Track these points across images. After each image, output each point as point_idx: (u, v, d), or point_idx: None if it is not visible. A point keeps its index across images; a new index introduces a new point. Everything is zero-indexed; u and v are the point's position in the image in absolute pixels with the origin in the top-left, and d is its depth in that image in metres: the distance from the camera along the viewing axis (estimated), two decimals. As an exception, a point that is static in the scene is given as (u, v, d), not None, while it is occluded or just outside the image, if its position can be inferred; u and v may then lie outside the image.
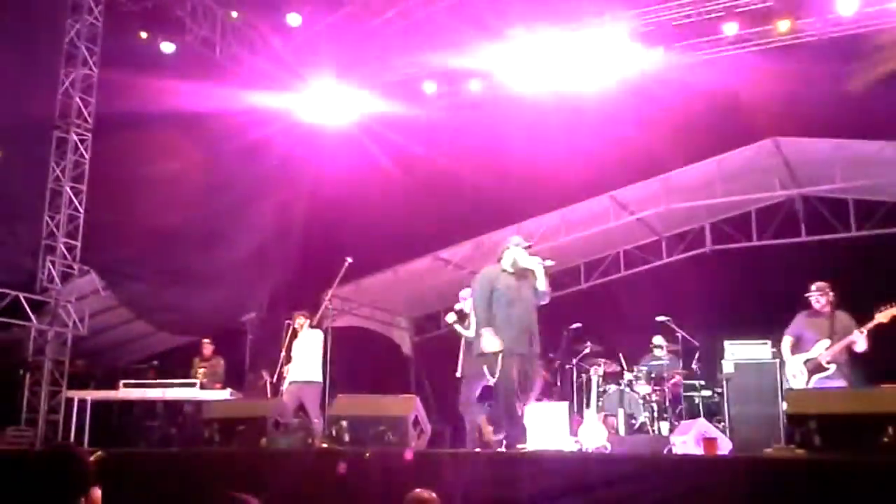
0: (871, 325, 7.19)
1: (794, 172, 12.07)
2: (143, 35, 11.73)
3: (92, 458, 2.99)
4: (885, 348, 7.37)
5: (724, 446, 7.71)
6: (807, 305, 7.65)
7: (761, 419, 8.04)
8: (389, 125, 13.46)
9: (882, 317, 7.14)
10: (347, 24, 13.82)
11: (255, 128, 14.57)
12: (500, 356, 6.52)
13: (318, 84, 13.85)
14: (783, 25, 11.45)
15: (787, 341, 7.60)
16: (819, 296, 7.46)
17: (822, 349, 7.28)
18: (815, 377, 7.27)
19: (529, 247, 7.02)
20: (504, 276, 6.88)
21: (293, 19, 12.43)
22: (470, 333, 7.96)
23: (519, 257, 6.91)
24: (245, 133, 14.20)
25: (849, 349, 7.25)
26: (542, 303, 6.90)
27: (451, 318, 8.86)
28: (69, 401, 9.89)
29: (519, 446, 6.31)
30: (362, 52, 13.66)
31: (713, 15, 11.78)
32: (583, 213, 12.88)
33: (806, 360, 7.38)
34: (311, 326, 9.45)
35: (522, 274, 6.86)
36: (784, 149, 11.43)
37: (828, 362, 7.23)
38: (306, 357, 9.19)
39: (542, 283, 6.82)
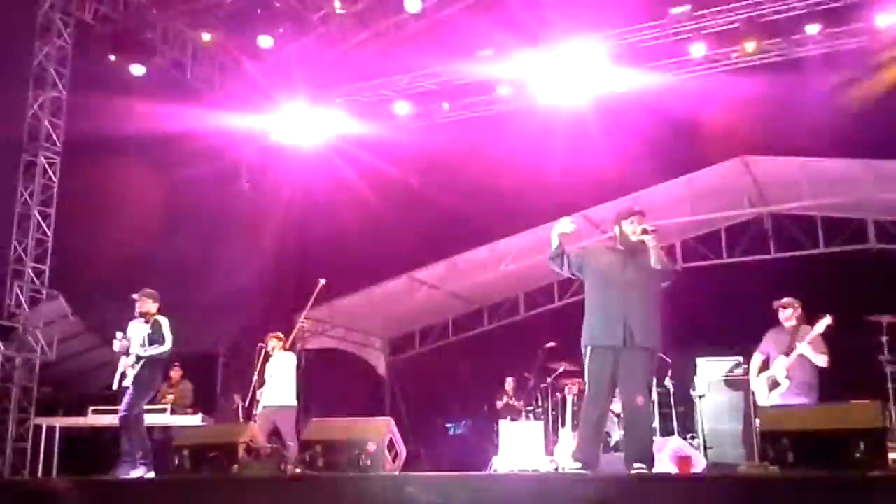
0: (810, 336, 7.12)
1: (763, 190, 12.24)
2: (113, 58, 11.62)
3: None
4: (848, 364, 7.38)
5: (699, 464, 7.74)
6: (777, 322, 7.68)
7: (735, 436, 8.07)
8: (362, 146, 13.47)
9: (818, 327, 7.13)
10: (320, 46, 13.84)
11: (226, 150, 14.54)
12: (587, 352, 5.74)
13: (290, 106, 13.82)
14: (750, 46, 11.63)
15: (756, 359, 7.58)
16: (783, 311, 7.48)
17: (780, 364, 7.29)
18: (774, 392, 7.24)
19: (640, 215, 5.80)
20: (606, 252, 5.94)
21: (264, 41, 12.40)
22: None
23: (628, 230, 5.78)
24: (216, 156, 14.14)
25: (809, 364, 7.22)
26: (664, 283, 5.76)
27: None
28: (37, 428, 9.71)
29: (574, 467, 5.45)
30: (335, 74, 13.67)
31: (681, 36, 11.93)
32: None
33: (767, 376, 7.39)
34: (284, 349, 9.36)
35: (631, 252, 5.77)
36: (753, 167, 11.60)
37: (785, 377, 7.19)
38: (280, 380, 9.09)
39: (653, 260, 5.63)
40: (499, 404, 11.86)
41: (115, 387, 7.91)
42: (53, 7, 11.37)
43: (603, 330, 5.64)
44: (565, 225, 5.92)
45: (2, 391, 10.38)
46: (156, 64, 12.46)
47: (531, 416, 10.47)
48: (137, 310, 7.90)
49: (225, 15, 12.19)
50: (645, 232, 5.66)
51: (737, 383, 8.42)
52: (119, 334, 7.90)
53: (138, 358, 7.70)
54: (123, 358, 7.80)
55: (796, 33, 11.53)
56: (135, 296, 7.96)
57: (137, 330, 7.85)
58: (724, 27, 11.61)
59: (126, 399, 7.74)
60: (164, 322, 7.86)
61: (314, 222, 13.53)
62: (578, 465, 5.59)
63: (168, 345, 7.79)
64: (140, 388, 7.74)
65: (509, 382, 12.00)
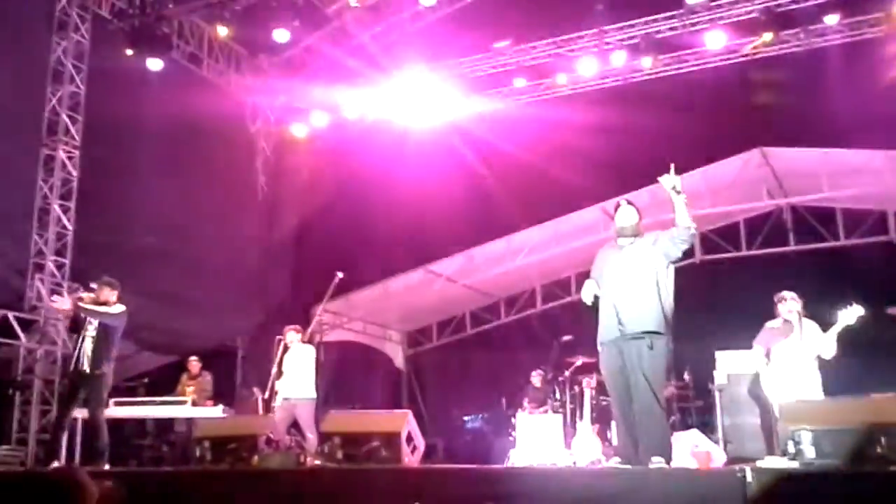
0: (838, 327, 7.09)
1: (782, 182, 12.16)
2: (129, 52, 11.69)
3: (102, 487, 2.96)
4: (854, 353, 7.34)
5: (718, 458, 7.70)
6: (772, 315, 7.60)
7: (755, 430, 8.02)
8: (378, 138, 13.48)
9: (846, 317, 7.08)
10: (335, 39, 13.87)
11: (242, 144, 14.62)
12: (599, 350, 5.75)
13: (306, 97, 13.86)
14: (768, 37, 11.53)
15: (758, 351, 7.51)
16: (786, 305, 7.42)
17: (791, 357, 7.23)
18: (786, 385, 7.18)
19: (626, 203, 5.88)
20: (606, 250, 5.95)
21: (280, 35, 12.42)
22: None
23: (618, 220, 5.86)
24: (232, 149, 14.23)
25: (815, 357, 7.18)
26: (673, 256, 5.64)
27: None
28: (56, 418, 9.80)
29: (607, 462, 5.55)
30: (348, 67, 13.68)
31: (698, 27, 11.85)
32: (574, 224, 12.91)
33: (779, 370, 7.32)
34: (303, 342, 9.40)
35: (626, 241, 5.81)
36: (771, 159, 11.52)
37: (796, 370, 7.14)
38: (298, 373, 9.13)
39: (680, 218, 5.63)
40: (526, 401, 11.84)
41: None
42: (70, 2, 11.45)
43: (603, 325, 5.71)
44: (588, 292, 5.81)
45: (24, 383, 10.49)
46: (172, 58, 12.52)
47: (549, 408, 10.45)
48: (96, 298, 7.72)
49: (240, 9, 12.21)
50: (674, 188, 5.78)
51: (756, 377, 8.36)
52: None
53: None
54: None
55: (815, 23, 11.43)
56: (93, 284, 7.87)
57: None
58: (743, 17, 11.51)
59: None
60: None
61: (331, 215, 13.56)
62: (618, 459, 5.67)
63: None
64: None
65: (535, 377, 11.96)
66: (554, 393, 10.59)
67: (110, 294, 7.69)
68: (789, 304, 7.36)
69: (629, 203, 5.89)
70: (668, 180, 5.83)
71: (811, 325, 7.34)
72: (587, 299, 5.79)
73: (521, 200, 12.54)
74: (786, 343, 7.30)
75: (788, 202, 12.60)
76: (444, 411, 14.47)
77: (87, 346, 7.44)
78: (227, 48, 14.15)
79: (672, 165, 5.84)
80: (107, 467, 7.25)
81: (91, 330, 7.49)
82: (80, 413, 9.55)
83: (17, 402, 10.42)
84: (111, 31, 11.79)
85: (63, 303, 7.81)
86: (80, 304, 7.56)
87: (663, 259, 5.67)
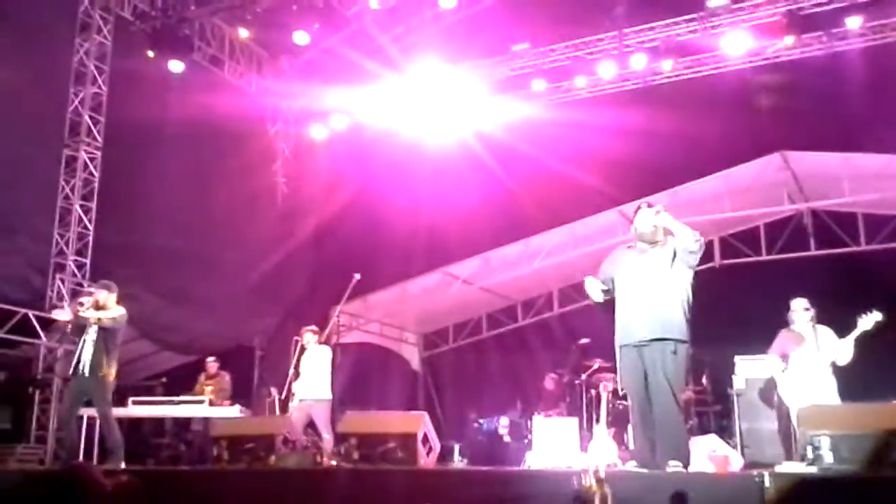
0: (856, 333, 7.05)
1: (803, 186, 12.06)
2: (151, 54, 11.79)
3: (115, 481, 3.00)
4: (873, 359, 7.27)
5: (735, 463, 7.65)
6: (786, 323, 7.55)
7: (773, 435, 7.97)
8: (396, 142, 13.51)
9: (864, 323, 7.02)
10: (355, 41, 13.91)
11: (262, 145, 14.70)
12: (617, 353, 5.68)
13: (325, 99, 13.92)
14: (789, 40, 11.45)
15: (774, 360, 7.45)
16: (798, 312, 7.37)
17: (806, 364, 7.18)
18: (803, 392, 7.13)
19: (647, 205, 5.73)
20: (625, 252, 5.86)
21: (300, 38, 12.48)
22: None
23: (638, 224, 5.73)
24: (252, 151, 14.31)
25: (831, 363, 7.14)
26: (693, 254, 5.52)
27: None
28: (78, 418, 9.88)
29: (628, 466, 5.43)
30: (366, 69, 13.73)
31: (719, 30, 11.78)
32: (591, 228, 12.87)
33: (796, 376, 7.26)
34: (320, 343, 9.44)
35: (648, 245, 5.70)
36: (792, 163, 11.42)
37: (813, 376, 7.09)
38: (315, 374, 9.17)
39: (682, 238, 5.48)
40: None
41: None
42: (93, 4, 11.58)
43: (624, 328, 5.62)
44: (592, 287, 5.78)
45: (44, 382, 10.58)
46: (193, 60, 12.61)
47: (565, 411, 10.42)
48: (94, 301, 7.68)
49: (261, 11, 12.28)
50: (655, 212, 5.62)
51: (774, 382, 8.30)
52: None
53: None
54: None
55: (838, 26, 11.34)
56: (90, 287, 7.93)
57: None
58: (764, 20, 11.45)
59: None
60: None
61: (349, 217, 13.60)
62: (634, 463, 5.62)
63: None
64: None
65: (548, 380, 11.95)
66: (570, 396, 10.56)
67: (108, 296, 7.70)
68: (801, 311, 7.33)
69: (650, 206, 5.76)
70: (660, 219, 5.64)
71: (826, 332, 7.30)
72: (596, 297, 5.76)
73: (538, 203, 12.52)
74: (801, 350, 7.26)
75: (809, 206, 12.49)
76: (459, 413, 14.45)
77: (87, 351, 7.49)
78: (247, 50, 14.25)
79: (660, 207, 5.68)
80: (122, 465, 7.31)
81: (91, 333, 7.53)
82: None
83: (37, 400, 10.52)
84: (133, 33, 11.91)
85: (63, 314, 7.91)
86: (80, 311, 7.61)
87: (684, 266, 5.63)
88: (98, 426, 8.56)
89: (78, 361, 7.50)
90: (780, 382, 7.38)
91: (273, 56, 14.33)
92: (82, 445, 8.85)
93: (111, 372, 7.59)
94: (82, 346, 7.53)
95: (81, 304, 7.64)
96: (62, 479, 2.92)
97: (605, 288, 5.80)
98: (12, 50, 10.19)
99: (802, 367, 7.19)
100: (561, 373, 11.00)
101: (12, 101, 9.98)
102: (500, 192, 12.53)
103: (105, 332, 7.54)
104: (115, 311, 7.64)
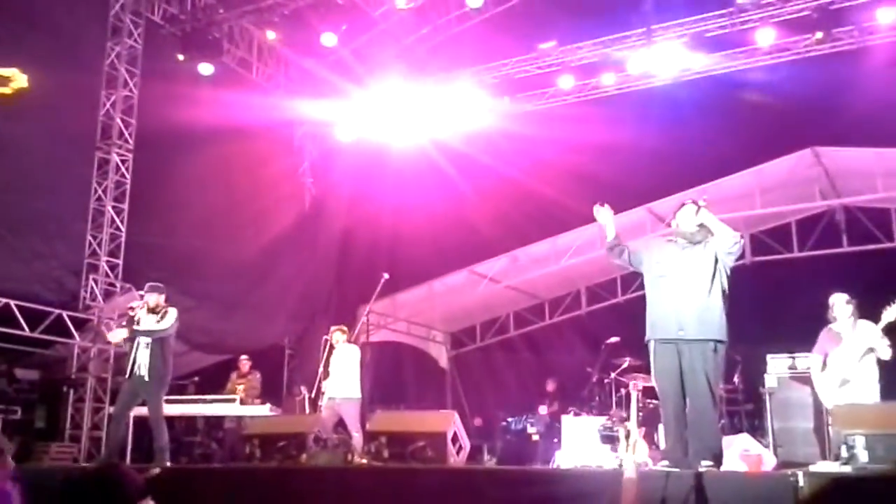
0: (881, 325, 6.90)
1: (835, 182, 11.92)
2: (181, 57, 11.90)
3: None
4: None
5: (768, 462, 7.57)
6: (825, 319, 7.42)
7: (806, 434, 7.87)
8: (418, 142, 13.54)
9: (888, 315, 6.86)
10: (381, 41, 13.96)
11: (290, 146, 14.80)
12: (649, 347, 5.63)
13: (354, 101, 13.97)
14: (820, 34, 11.31)
15: (815, 360, 7.34)
16: (840, 307, 7.25)
17: (845, 361, 7.06)
18: (841, 390, 7.02)
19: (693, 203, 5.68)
20: (664, 244, 5.83)
21: (328, 39, 12.54)
22: None
23: (681, 221, 5.72)
24: (280, 152, 14.41)
25: (874, 359, 6.99)
26: (732, 253, 5.55)
27: None
28: (111, 417, 10.01)
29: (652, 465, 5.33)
30: (396, 70, 13.77)
31: (749, 25, 11.66)
32: (620, 225, 12.73)
33: (832, 374, 7.15)
34: (349, 342, 9.49)
35: (688, 242, 5.66)
36: (824, 158, 11.29)
37: (852, 374, 6.98)
38: (344, 372, 9.21)
39: (722, 237, 5.51)
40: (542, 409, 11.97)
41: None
42: (124, 8, 11.70)
43: (660, 323, 5.56)
44: (601, 214, 5.93)
45: (77, 381, 10.73)
46: (223, 62, 12.72)
47: (594, 411, 10.37)
48: (145, 305, 7.85)
49: (289, 13, 12.35)
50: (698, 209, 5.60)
51: (807, 380, 8.20)
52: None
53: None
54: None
55: (868, 20, 11.17)
56: (140, 292, 8.05)
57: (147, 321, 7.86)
58: (795, 15, 11.31)
59: None
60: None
61: (376, 216, 13.65)
62: (665, 462, 5.54)
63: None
64: None
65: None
66: (600, 396, 10.51)
67: (159, 298, 7.84)
68: (841, 306, 7.20)
69: (694, 202, 5.74)
70: (701, 217, 5.66)
71: (866, 326, 7.15)
72: (608, 227, 5.91)
73: (566, 201, 12.46)
74: (838, 348, 7.14)
75: (841, 202, 12.34)
76: (487, 412, 14.44)
77: (143, 353, 7.62)
78: (275, 52, 14.35)
79: (702, 202, 5.70)
80: (168, 464, 7.42)
81: (146, 337, 7.68)
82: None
83: (71, 399, 10.68)
84: (163, 37, 12.03)
85: (117, 335, 8.08)
86: (135, 328, 7.76)
87: (723, 266, 5.60)
88: (133, 425, 8.71)
89: (133, 363, 7.64)
90: (817, 381, 7.27)
91: (300, 58, 14.42)
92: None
93: (167, 373, 7.75)
94: (137, 348, 7.67)
95: (132, 308, 7.75)
96: (101, 476, 2.95)
97: (622, 248, 5.88)
98: (45, 54, 10.30)
99: (839, 365, 7.08)
100: (590, 371, 10.96)
101: (45, 105, 10.11)
102: (527, 190, 12.49)
103: (160, 337, 7.70)
104: (169, 317, 7.77)
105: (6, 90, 4.37)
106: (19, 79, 4.37)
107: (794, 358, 8.39)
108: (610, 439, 8.66)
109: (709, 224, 5.59)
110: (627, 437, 5.43)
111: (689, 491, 4.67)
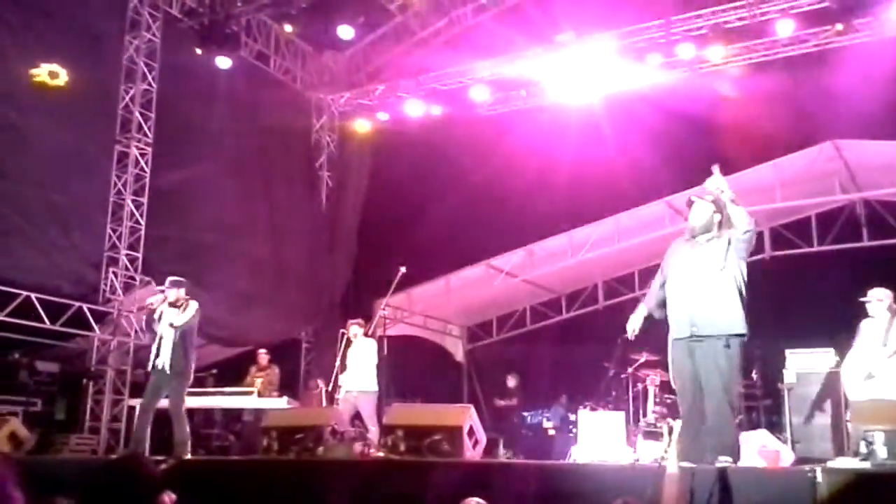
0: None
1: (855, 176, 11.79)
2: (199, 51, 11.95)
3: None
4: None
5: (786, 458, 7.52)
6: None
7: (824, 430, 7.82)
8: (439, 134, 13.51)
9: None
10: (398, 34, 13.97)
11: (307, 139, 14.83)
12: (669, 346, 5.62)
13: (372, 93, 14.00)
14: (840, 25, 11.19)
15: (851, 352, 7.28)
16: (874, 303, 7.18)
17: (874, 357, 7.00)
18: (866, 385, 6.95)
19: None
20: (680, 245, 5.79)
21: (345, 32, 12.55)
22: None
23: (691, 218, 5.70)
24: (297, 145, 14.44)
25: None
26: (742, 254, 5.47)
27: None
28: (131, 409, 10.09)
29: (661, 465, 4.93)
30: (413, 62, 13.77)
31: (768, 16, 11.56)
32: (637, 219, 12.74)
33: (859, 369, 7.09)
34: (366, 335, 9.51)
35: (700, 237, 5.64)
36: (845, 152, 11.17)
37: (880, 370, 6.91)
38: (361, 366, 9.25)
39: (735, 218, 5.43)
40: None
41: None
42: (142, 2, 11.76)
43: (676, 322, 5.57)
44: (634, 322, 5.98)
45: (97, 374, 10.83)
46: (241, 56, 12.75)
47: (611, 405, 10.34)
48: (165, 299, 7.88)
49: (307, 6, 12.36)
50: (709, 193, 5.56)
51: (827, 376, 8.15)
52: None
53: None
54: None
55: (888, 12, 11.02)
56: (161, 287, 8.07)
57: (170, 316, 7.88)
58: (814, 6, 11.19)
59: None
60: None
61: (393, 210, 13.66)
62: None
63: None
64: None
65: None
66: (616, 390, 10.48)
67: (179, 292, 7.88)
68: (874, 302, 7.12)
69: (701, 198, 5.70)
70: (714, 182, 5.58)
71: None
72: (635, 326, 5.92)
73: (583, 195, 12.43)
74: (866, 342, 7.07)
75: (862, 196, 12.20)
76: (504, 406, 14.42)
77: (166, 347, 7.67)
78: (293, 45, 14.37)
79: (716, 167, 5.58)
80: (188, 456, 7.47)
81: (168, 331, 7.73)
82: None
83: (90, 391, 10.78)
84: (181, 30, 12.06)
85: (155, 299, 7.97)
86: (155, 318, 7.78)
87: (737, 257, 5.53)
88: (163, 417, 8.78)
89: (156, 356, 7.70)
90: (844, 375, 7.21)
91: (318, 51, 14.44)
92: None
93: (190, 366, 7.81)
94: (160, 343, 7.73)
95: (153, 306, 7.81)
96: (123, 466, 2.98)
97: (660, 299, 5.79)
98: (65, 48, 10.41)
99: (867, 358, 7.01)
100: (607, 366, 10.92)
101: (65, 99, 10.20)
102: (543, 183, 12.45)
103: (183, 329, 7.74)
104: (189, 310, 7.81)
105: (49, 81, 4.42)
106: (61, 74, 4.43)
107: (813, 353, 8.33)
108: (653, 435, 8.61)
109: (724, 199, 5.51)
110: (670, 433, 5.35)
111: (710, 487, 4.65)
